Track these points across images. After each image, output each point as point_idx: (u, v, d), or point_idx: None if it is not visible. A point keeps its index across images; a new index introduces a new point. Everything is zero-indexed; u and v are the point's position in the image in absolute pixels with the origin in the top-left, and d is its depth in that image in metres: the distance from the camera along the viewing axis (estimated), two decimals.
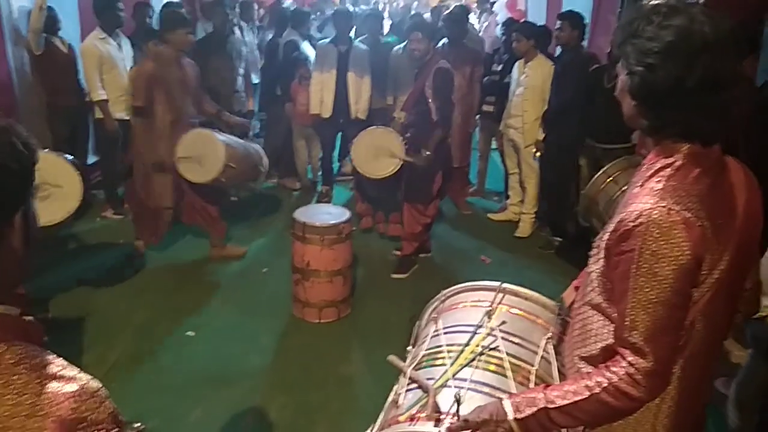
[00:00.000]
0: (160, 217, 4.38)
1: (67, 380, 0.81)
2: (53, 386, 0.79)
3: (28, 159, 0.88)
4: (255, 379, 3.33)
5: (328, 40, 5.71)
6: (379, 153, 4.37)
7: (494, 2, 9.63)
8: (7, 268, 0.89)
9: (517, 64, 5.14)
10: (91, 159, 5.47)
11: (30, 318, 0.91)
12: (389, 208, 5.22)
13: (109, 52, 5.04)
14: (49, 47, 4.83)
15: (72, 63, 5.03)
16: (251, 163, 4.62)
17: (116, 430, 0.84)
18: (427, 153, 4.19)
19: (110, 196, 5.42)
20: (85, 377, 0.84)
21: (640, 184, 1.29)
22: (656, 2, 1.25)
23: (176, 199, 4.35)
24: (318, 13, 8.06)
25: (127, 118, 5.09)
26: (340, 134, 6.04)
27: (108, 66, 5.01)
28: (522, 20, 6.44)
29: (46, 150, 3.49)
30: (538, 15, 7.88)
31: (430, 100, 4.17)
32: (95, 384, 0.84)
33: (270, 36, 6.57)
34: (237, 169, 4.29)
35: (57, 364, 0.83)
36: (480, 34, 7.92)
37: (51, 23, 4.79)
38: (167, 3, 5.41)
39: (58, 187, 3.20)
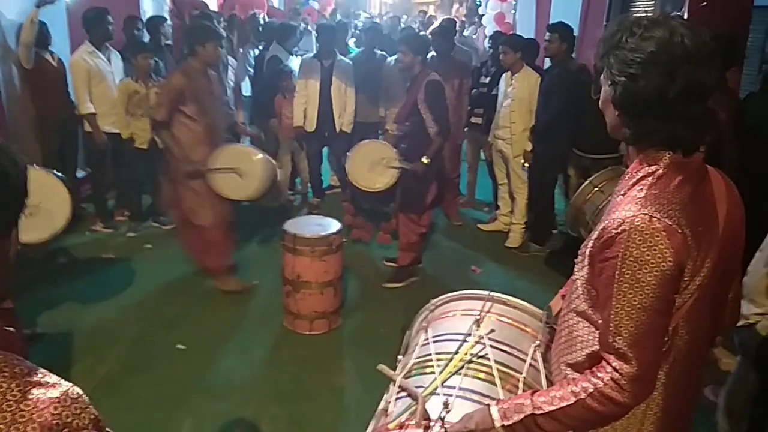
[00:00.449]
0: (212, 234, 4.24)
1: (49, 387, 0.82)
2: (35, 393, 0.80)
3: (23, 174, 0.90)
4: (246, 391, 3.31)
5: (311, 54, 5.78)
6: (374, 166, 4.39)
7: (483, 15, 9.75)
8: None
9: (504, 76, 5.20)
10: (80, 173, 5.47)
11: (11, 329, 0.92)
12: (380, 218, 5.27)
13: (98, 66, 5.06)
14: (39, 61, 4.84)
15: (62, 77, 5.03)
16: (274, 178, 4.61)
17: None
18: (427, 160, 4.25)
19: (100, 209, 5.41)
20: (66, 384, 0.84)
21: (623, 192, 1.32)
22: (638, 15, 1.29)
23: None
24: (353, 28, 8.04)
25: (116, 131, 5.13)
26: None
27: (97, 80, 5.04)
28: (509, 33, 6.53)
29: (36, 166, 3.47)
30: (526, 28, 7.99)
31: (423, 113, 4.23)
32: (77, 390, 0.85)
33: (254, 50, 6.62)
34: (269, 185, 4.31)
35: (38, 372, 0.84)
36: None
37: (42, 37, 4.79)
38: (197, 14, 5.51)
39: (46, 205, 3.16)
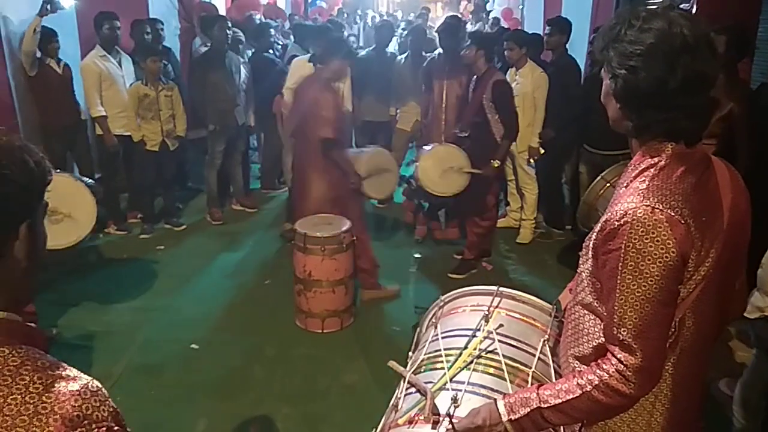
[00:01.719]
0: None
1: (70, 380, 0.84)
2: (57, 386, 0.82)
3: (39, 176, 0.92)
4: (259, 391, 3.34)
5: (307, 57, 5.50)
6: (445, 170, 4.35)
7: (490, 11, 9.72)
8: (12, 278, 0.92)
9: (509, 71, 5.19)
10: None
11: (33, 325, 0.94)
12: (435, 214, 5.42)
13: (109, 70, 5.12)
14: (43, 68, 4.88)
15: (67, 83, 5.06)
16: None
17: (117, 428, 0.86)
18: (497, 164, 4.31)
19: (113, 212, 5.47)
20: (86, 377, 0.87)
21: (625, 184, 1.32)
22: (637, 7, 1.28)
23: None
24: (401, 30, 7.93)
25: (127, 133, 5.17)
26: None
27: (108, 83, 5.09)
28: (514, 29, 6.57)
29: (68, 175, 3.51)
30: (534, 24, 7.96)
31: (488, 113, 4.26)
32: (97, 384, 0.87)
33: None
34: None
35: (59, 366, 0.86)
36: None
37: (46, 44, 4.82)
38: (262, 23, 5.71)
39: (71, 213, 3.25)
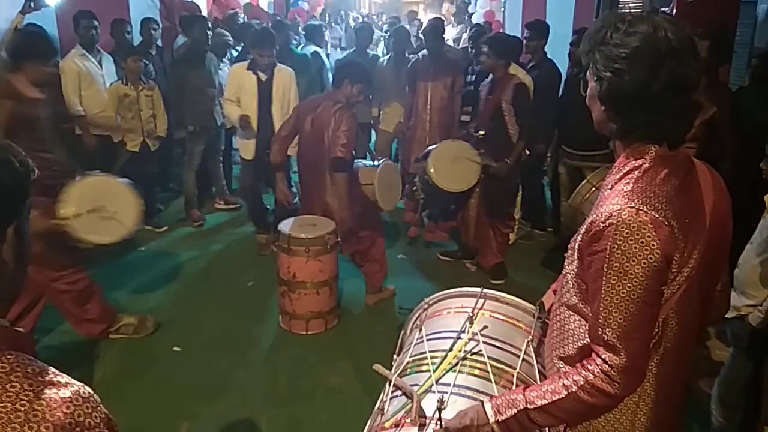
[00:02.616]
0: None
1: (61, 386, 0.83)
2: (48, 392, 0.81)
3: (23, 177, 0.91)
4: (243, 393, 3.32)
5: (246, 63, 4.95)
6: (456, 166, 4.31)
7: (472, 14, 9.77)
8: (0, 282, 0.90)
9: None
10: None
11: (21, 329, 0.93)
12: (437, 216, 5.35)
13: (89, 69, 5.08)
14: None
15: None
16: None
17: None
18: (509, 162, 4.31)
19: None
20: (77, 384, 0.86)
21: (610, 186, 1.34)
22: (622, 11, 1.31)
23: None
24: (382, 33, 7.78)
25: (106, 133, 5.11)
26: None
27: (87, 82, 5.04)
28: (497, 32, 6.62)
29: (103, 174, 3.62)
30: (515, 26, 8.02)
31: (506, 114, 4.30)
32: (88, 390, 0.87)
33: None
34: None
35: (49, 372, 0.85)
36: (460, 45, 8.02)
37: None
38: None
39: (116, 209, 3.36)
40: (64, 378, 0.86)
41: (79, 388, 0.85)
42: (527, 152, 4.57)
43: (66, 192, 3.22)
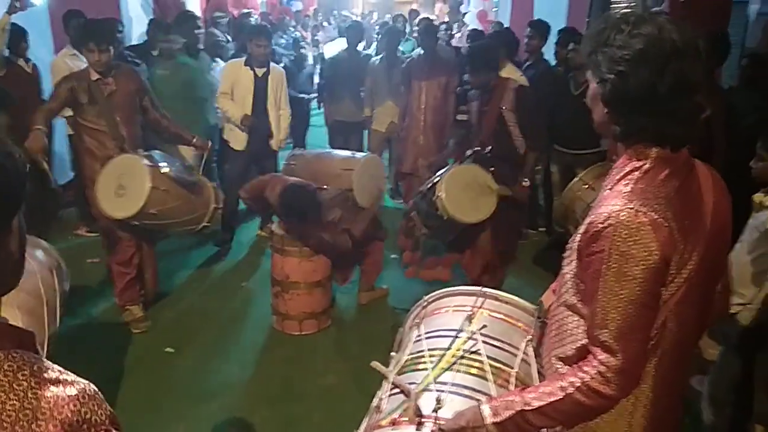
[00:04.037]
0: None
1: (67, 384, 0.84)
2: (54, 390, 0.82)
3: (22, 167, 0.90)
4: (237, 394, 3.31)
5: (242, 59, 5.00)
6: (470, 194, 3.70)
7: (466, 13, 9.79)
8: (5, 273, 0.90)
9: None
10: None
11: (24, 328, 0.92)
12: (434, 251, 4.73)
13: (79, 69, 5.01)
14: (12, 67, 4.77)
15: (35, 83, 4.96)
16: None
17: (115, 431, 0.87)
18: (527, 183, 3.88)
19: (84, 213, 5.35)
20: (83, 381, 0.87)
21: (609, 187, 1.33)
22: (625, 12, 1.30)
23: None
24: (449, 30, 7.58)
25: None
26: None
27: None
28: (469, 46, 6.62)
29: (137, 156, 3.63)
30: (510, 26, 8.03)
31: (509, 124, 3.81)
32: (93, 387, 0.87)
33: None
34: None
35: (55, 369, 0.86)
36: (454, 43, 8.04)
37: (16, 43, 4.72)
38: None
39: (131, 183, 3.48)
40: (70, 376, 0.86)
41: (85, 386, 0.86)
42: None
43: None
